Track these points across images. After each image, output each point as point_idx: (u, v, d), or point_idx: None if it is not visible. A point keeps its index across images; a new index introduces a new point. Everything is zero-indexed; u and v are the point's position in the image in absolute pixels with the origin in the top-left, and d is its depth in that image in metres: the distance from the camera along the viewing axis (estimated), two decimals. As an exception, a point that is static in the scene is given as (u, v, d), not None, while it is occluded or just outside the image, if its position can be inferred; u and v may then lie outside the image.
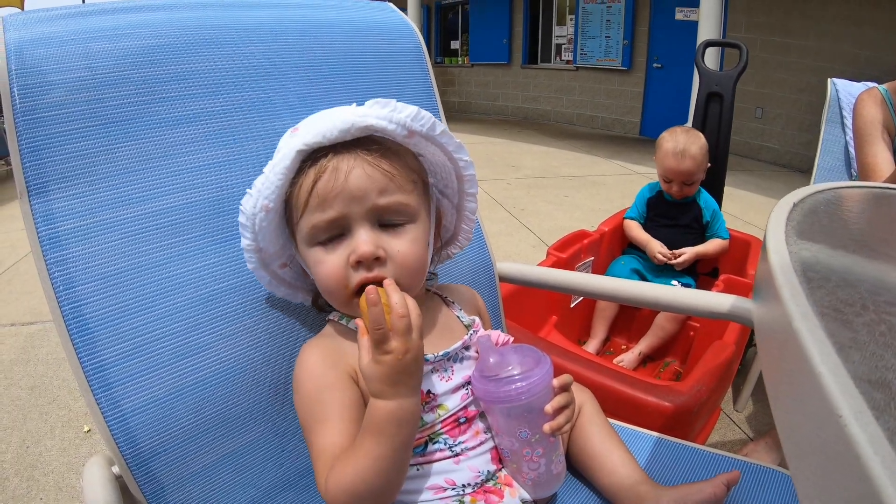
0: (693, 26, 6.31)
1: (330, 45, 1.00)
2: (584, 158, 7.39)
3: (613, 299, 1.09)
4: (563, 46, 10.87)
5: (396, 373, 0.64)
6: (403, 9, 11.47)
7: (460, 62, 12.91)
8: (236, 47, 0.89)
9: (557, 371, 0.78)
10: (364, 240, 0.70)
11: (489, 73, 12.22)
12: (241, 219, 0.76)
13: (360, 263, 0.71)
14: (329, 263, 0.72)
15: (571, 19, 10.37)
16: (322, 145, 0.72)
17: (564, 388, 0.78)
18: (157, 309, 0.76)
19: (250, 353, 0.82)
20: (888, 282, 0.62)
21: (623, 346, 2.33)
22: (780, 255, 0.57)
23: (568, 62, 10.77)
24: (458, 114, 12.22)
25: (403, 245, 0.72)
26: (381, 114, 0.70)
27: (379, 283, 0.69)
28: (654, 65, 9.35)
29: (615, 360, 2.14)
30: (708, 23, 5.81)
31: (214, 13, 0.89)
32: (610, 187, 5.76)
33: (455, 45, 13.07)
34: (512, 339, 0.85)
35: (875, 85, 1.94)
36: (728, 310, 0.96)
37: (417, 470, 0.74)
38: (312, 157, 0.72)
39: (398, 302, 0.65)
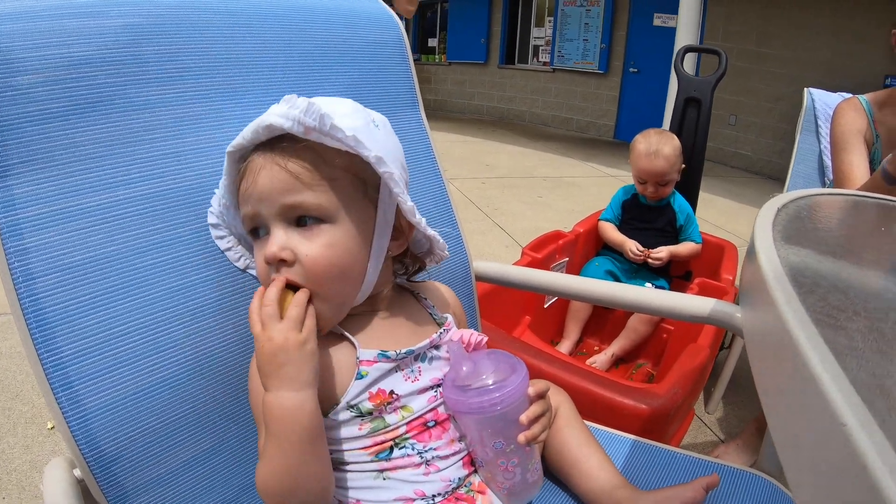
0: (670, 32, 6.35)
1: (310, 32, 0.97)
2: (559, 160, 7.43)
3: (594, 301, 1.07)
4: (541, 48, 10.90)
5: (264, 363, 0.64)
6: None
7: (437, 60, 12.89)
8: (216, 31, 0.85)
9: (533, 371, 0.76)
10: (272, 241, 0.69)
11: (466, 72, 12.22)
12: (211, 219, 0.77)
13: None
14: (257, 259, 0.72)
15: (550, 21, 10.43)
16: (244, 146, 0.71)
17: (540, 396, 0.76)
18: (121, 303, 0.72)
19: (218, 351, 0.79)
20: (876, 288, 0.62)
21: (596, 348, 2.34)
22: (770, 260, 0.56)
23: (545, 64, 10.82)
24: (433, 112, 12.17)
25: (313, 248, 0.68)
26: (280, 111, 0.67)
27: (292, 287, 0.69)
28: (631, 69, 9.45)
29: (588, 361, 2.15)
30: (685, 30, 5.85)
31: None
32: (584, 189, 5.80)
33: (433, 42, 13.05)
34: (485, 338, 0.82)
35: (855, 95, 1.96)
36: (709, 314, 0.95)
37: (384, 479, 0.71)
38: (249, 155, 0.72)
39: (268, 294, 0.66)
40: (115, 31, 0.76)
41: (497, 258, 3.63)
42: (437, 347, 0.78)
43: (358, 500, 0.71)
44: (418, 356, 0.76)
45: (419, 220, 0.74)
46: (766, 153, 7.77)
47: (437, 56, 12.96)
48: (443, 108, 12.52)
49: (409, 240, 0.80)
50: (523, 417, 0.73)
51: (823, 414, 0.34)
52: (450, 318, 0.83)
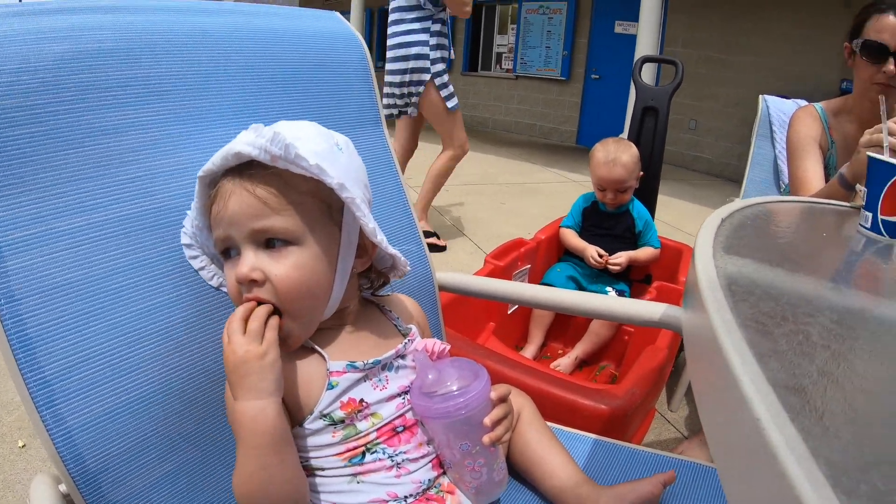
0: (631, 39, 6.45)
1: (276, 53, 1.00)
2: (522, 166, 7.49)
3: (551, 308, 1.12)
4: (504, 55, 11.00)
5: (230, 373, 0.68)
6: (347, 13, 11.37)
7: (401, 68, 12.93)
8: (183, 54, 0.88)
9: (497, 377, 0.81)
10: (242, 262, 0.72)
11: (429, 80, 12.27)
12: (184, 239, 0.80)
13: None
14: (228, 278, 0.75)
15: (513, 29, 10.53)
16: (214, 171, 0.74)
17: (502, 400, 0.81)
18: (100, 322, 0.74)
19: (195, 367, 0.82)
20: (808, 294, 0.67)
21: (560, 351, 2.39)
22: (706, 271, 0.61)
23: (508, 71, 10.91)
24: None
25: (282, 269, 0.72)
26: (248, 139, 0.71)
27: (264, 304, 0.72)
28: (592, 76, 9.62)
29: (552, 365, 2.20)
30: (646, 37, 5.93)
31: (162, 18, 0.88)
32: (547, 195, 5.86)
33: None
34: (449, 346, 0.86)
35: (810, 103, 2.03)
36: (659, 318, 1.01)
37: (357, 483, 0.75)
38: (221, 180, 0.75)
39: (236, 311, 0.71)
40: (88, 55, 0.78)
41: (462, 265, 3.67)
42: (402, 357, 0.82)
43: None
44: (385, 366, 0.80)
45: (381, 239, 0.78)
46: (726, 156, 7.96)
47: (400, 64, 12.97)
48: (407, 116, 12.48)
49: (373, 257, 0.84)
50: (487, 420, 0.77)
51: (743, 410, 0.39)
52: (414, 328, 0.87)
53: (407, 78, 3.58)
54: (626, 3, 7.67)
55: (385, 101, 3.74)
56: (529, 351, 2.31)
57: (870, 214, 1.03)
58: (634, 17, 6.20)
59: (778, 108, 2.45)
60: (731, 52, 7.93)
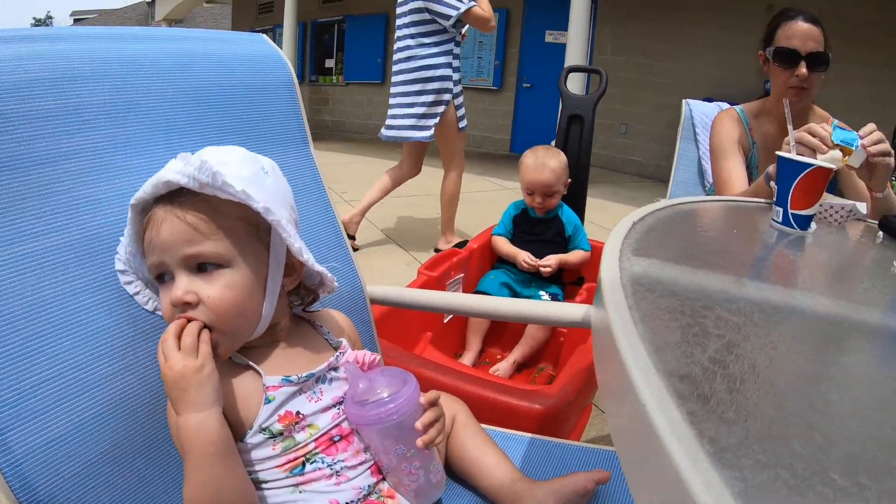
0: (562, 48, 6.53)
1: (203, 78, 1.02)
2: (458, 175, 7.52)
3: (478, 315, 1.16)
4: (435, 66, 11.08)
5: (169, 389, 0.71)
6: (280, 25, 11.24)
7: (335, 81, 12.87)
8: (113, 81, 0.89)
9: (433, 384, 0.84)
10: (176, 286, 0.74)
11: (363, 92, 12.25)
12: (118, 265, 0.82)
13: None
14: (163, 302, 0.77)
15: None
16: (145, 199, 0.77)
17: (432, 404, 0.84)
18: (45, 349, 0.75)
19: (137, 387, 0.83)
20: (707, 289, 0.73)
21: (498, 356, 2.43)
22: (609, 272, 0.66)
23: (439, 81, 10.99)
24: (332, 133, 12.12)
25: (214, 291, 0.75)
26: (177, 168, 0.74)
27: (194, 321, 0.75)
28: (524, 84, 9.80)
29: (491, 370, 2.24)
30: (575, 45, 6.04)
31: (92, 46, 0.89)
32: (482, 203, 5.90)
33: (330, 63, 13.02)
34: (379, 356, 0.89)
35: (732, 105, 2.11)
36: (581, 318, 1.06)
37: (300, 492, 0.77)
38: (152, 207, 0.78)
39: (168, 330, 0.73)
40: (20, 85, 0.78)
41: (398, 277, 3.68)
42: (335, 369, 0.85)
43: None
44: (319, 378, 0.83)
45: (307, 258, 0.81)
46: (656, 158, 8.22)
47: (334, 77, 12.93)
48: (341, 129, 12.48)
49: (301, 275, 0.87)
50: (418, 424, 0.81)
51: (633, 399, 0.43)
52: (344, 341, 0.90)
53: (430, 99, 3.56)
54: (556, 14, 7.82)
55: (389, 121, 3.76)
56: (468, 358, 2.34)
57: (780, 209, 1.13)
58: (564, 27, 6.30)
59: (700, 111, 2.56)
60: (658, 57, 8.22)
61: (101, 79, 0.88)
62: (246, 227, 0.78)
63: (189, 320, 0.74)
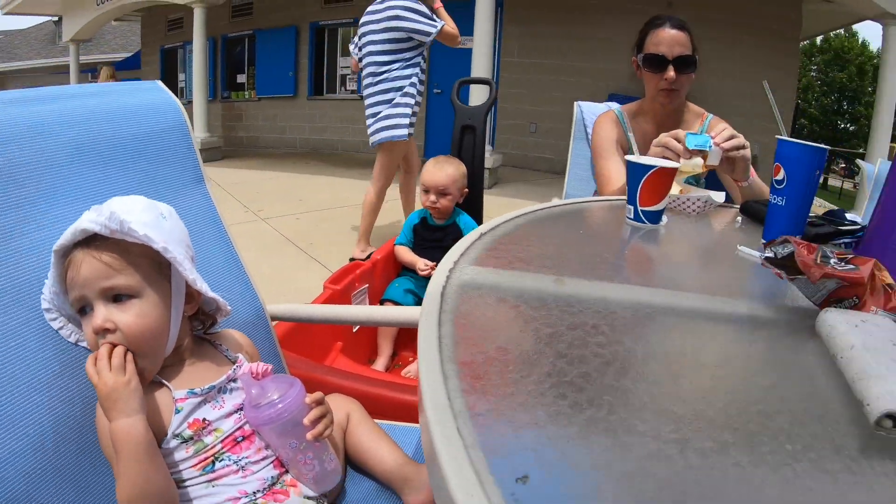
0: (470, 53, 6.64)
1: (106, 132, 1.12)
2: (372, 186, 7.55)
3: (366, 324, 1.32)
4: (348, 77, 11.14)
5: (103, 400, 0.85)
6: (189, 42, 10.96)
7: (247, 96, 12.80)
8: (26, 142, 1.00)
9: (333, 387, 0.99)
10: (96, 315, 0.89)
11: (276, 106, 12.23)
12: (44, 304, 0.95)
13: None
14: (86, 331, 0.92)
15: (355, 50, 10.65)
16: (66, 245, 0.91)
17: (319, 402, 1.00)
18: None
19: (70, 410, 0.94)
20: (528, 287, 0.85)
21: (410, 359, 2.57)
22: (435, 281, 0.81)
23: (353, 92, 11.06)
24: (246, 149, 11.95)
25: (129, 318, 0.90)
26: (91, 218, 0.90)
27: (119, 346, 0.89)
28: (435, 90, 9.88)
29: (403, 372, 2.39)
30: (481, 50, 6.10)
31: (11, 110, 1.00)
32: (398, 213, 5.91)
33: (242, 78, 12.93)
34: (271, 366, 1.04)
35: (613, 107, 2.27)
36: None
37: (213, 486, 0.92)
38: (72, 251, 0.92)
39: (99, 353, 0.87)
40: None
41: (316, 291, 3.74)
42: (234, 380, 1.00)
43: None
44: (220, 389, 0.98)
45: (202, 287, 0.98)
46: (565, 154, 8.46)
47: (246, 92, 12.85)
48: (255, 145, 12.38)
49: (200, 302, 1.03)
50: (306, 420, 0.96)
51: (425, 379, 0.56)
52: (241, 356, 1.05)
53: (404, 103, 3.91)
54: (463, 18, 7.89)
55: (370, 130, 4.08)
56: (381, 363, 2.46)
57: (632, 207, 1.28)
58: (472, 32, 6.36)
59: (591, 112, 2.74)
60: (564, 58, 8.52)
61: (20, 139, 1.00)
62: (150, 263, 0.94)
63: (114, 345, 0.88)
